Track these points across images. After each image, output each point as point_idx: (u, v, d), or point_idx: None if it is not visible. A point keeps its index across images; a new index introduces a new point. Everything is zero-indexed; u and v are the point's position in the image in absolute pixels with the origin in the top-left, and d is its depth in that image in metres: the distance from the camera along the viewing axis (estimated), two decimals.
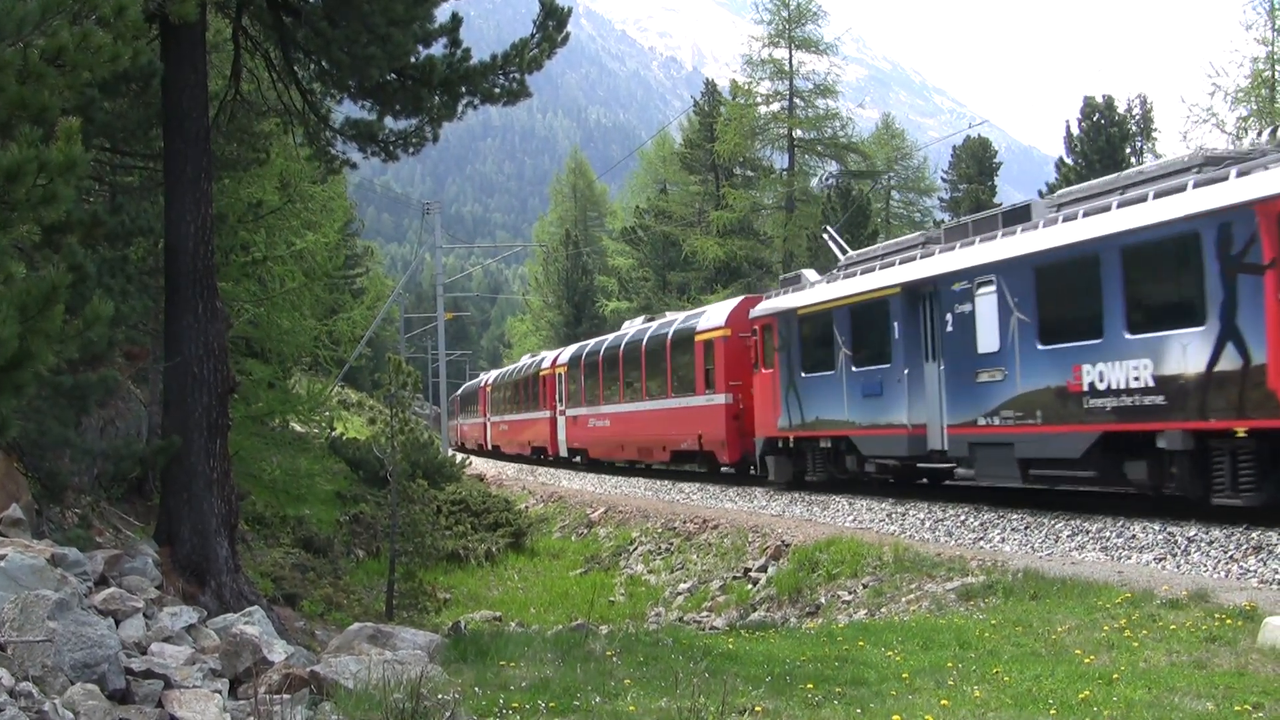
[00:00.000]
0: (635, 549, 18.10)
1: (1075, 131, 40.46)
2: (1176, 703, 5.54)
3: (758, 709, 5.55)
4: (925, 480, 16.68)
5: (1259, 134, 27.74)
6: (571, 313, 58.19)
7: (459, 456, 30.44)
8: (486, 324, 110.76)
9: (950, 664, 6.78)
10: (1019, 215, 14.06)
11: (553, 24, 9.96)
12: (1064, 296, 12.78)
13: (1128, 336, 11.64)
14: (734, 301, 22.70)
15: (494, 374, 47.21)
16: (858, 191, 40.06)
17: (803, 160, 42.68)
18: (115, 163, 11.29)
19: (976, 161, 51.12)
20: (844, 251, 19.91)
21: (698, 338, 22.61)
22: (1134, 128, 41.89)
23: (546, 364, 34.80)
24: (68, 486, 8.58)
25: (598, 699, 5.72)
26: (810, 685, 6.16)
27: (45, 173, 4.69)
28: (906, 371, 15.36)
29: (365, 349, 37.29)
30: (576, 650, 7.29)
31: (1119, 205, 12.03)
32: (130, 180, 11.52)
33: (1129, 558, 10.42)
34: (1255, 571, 9.17)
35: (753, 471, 20.92)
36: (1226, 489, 10.66)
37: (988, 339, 13.73)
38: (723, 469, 22.98)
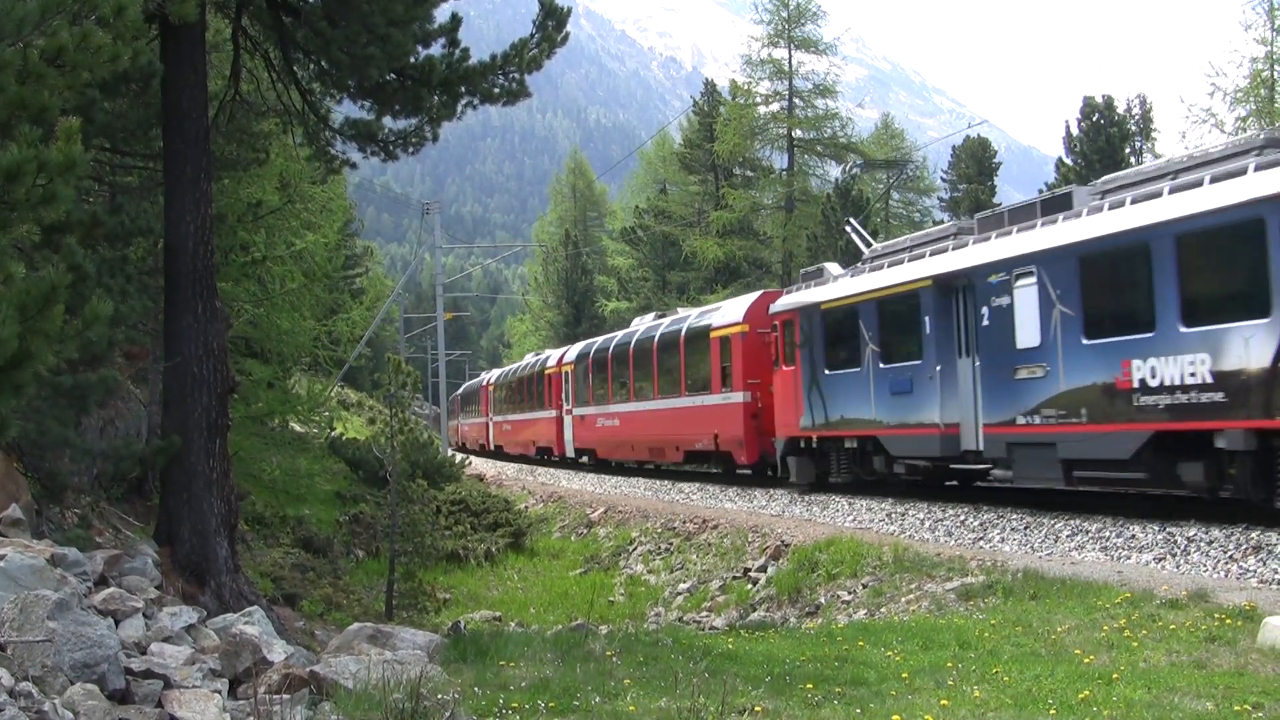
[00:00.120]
0: (635, 549, 18.10)
1: (1075, 131, 40.49)
2: (1176, 703, 5.55)
3: (757, 709, 5.55)
4: (956, 482, 16.14)
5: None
6: (571, 313, 58.21)
7: (459, 456, 30.37)
8: (486, 324, 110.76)
9: (950, 664, 6.78)
10: (1059, 203, 13.38)
11: (552, 24, 9.96)
12: (1112, 288, 12.15)
13: (1183, 330, 10.96)
14: (752, 296, 22.04)
15: (496, 373, 46.65)
16: (858, 192, 40.06)
17: (802, 160, 42.68)
18: (115, 163, 11.29)
19: (976, 161, 51.15)
20: (868, 244, 19.12)
21: (713, 334, 22.00)
22: (1134, 128, 41.90)
23: (552, 362, 34.14)
24: (68, 486, 8.58)
25: (597, 699, 5.72)
26: (810, 685, 6.16)
27: (45, 173, 4.69)
28: (939, 368, 14.72)
29: (365, 349, 37.26)
30: (576, 650, 7.29)
31: (1171, 191, 11.38)
32: (130, 180, 11.52)
33: (1129, 558, 10.42)
34: (1255, 571, 9.17)
35: (771, 474, 20.27)
36: None
37: (1028, 333, 13.10)
38: (738, 470, 22.29)
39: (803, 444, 18.42)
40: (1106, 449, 11.88)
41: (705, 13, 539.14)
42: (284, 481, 16.79)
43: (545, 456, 35.38)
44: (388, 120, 10.39)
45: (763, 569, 13.75)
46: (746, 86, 42.28)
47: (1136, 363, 11.46)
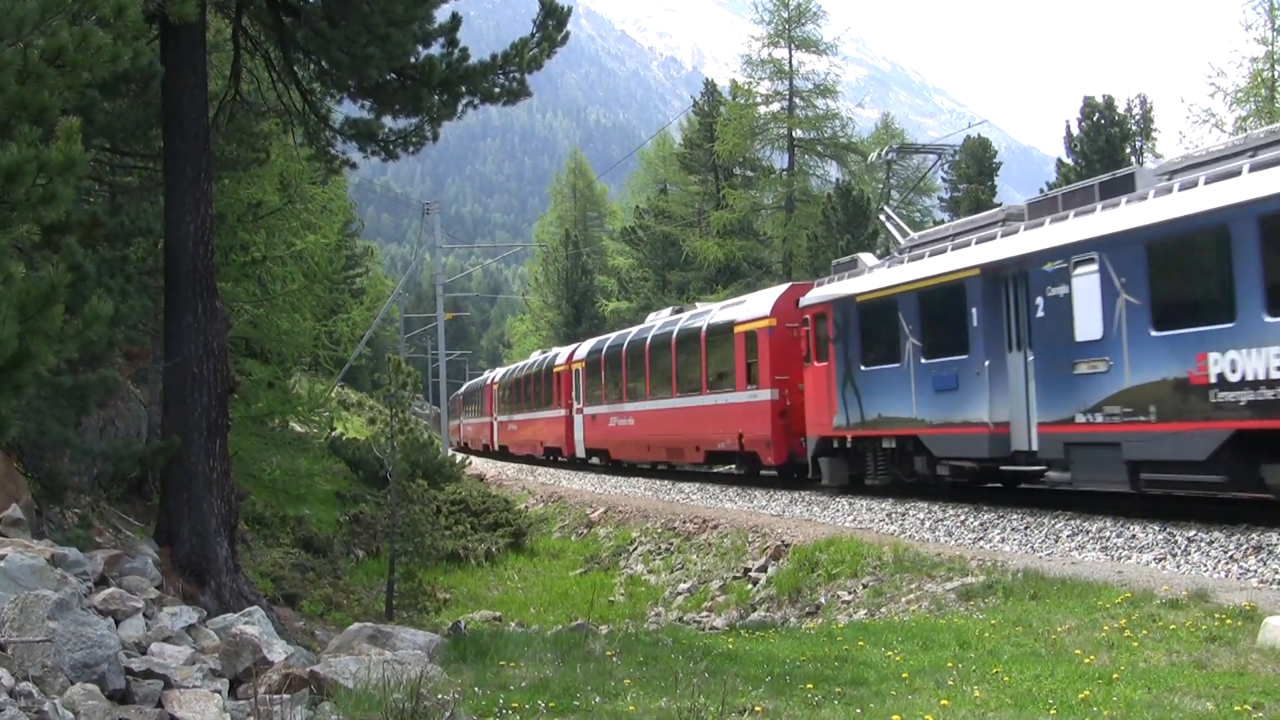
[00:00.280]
0: (635, 549, 18.10)
1: (1075, 131, 40.49)
2: (1176, 703, 5.54)
3: (758, 709, 5.55)
4: (999, 484, 15.48)
5: None
6: (571, 313, 58.22)
7: (459, 456, 30.28)
8: (486, 324, 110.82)
9: (950, 664, 6.78)
10: (1121, 185, 12.51)
11: (552, 23, 9.96)
12: (1184, 275, 11.29)
13: (1268, 319, 10.14)
14: (779, 289, 21.10)
15: (501, 371, 45.67)
16: (858, 192, 40.07)
17: (802, 160, 42.70)
18: (115, 163, 11.30)
19: (976, 161, 51.11)
20: (904, 234, 18.17)
21: (737, 329, 21.02)
22: (1134, 128, 41.91)
23: (561, 360, 33.12)
24: (68, 486, 8.58)
25: (598, 699, 5.72)
26: (810, 685, 6.16)
27: (45, 173, 4.69)
28: (987, 363, 13.90)
29: (365, 349, 37.26)
30: (576, 650, 7.29)
31: (1251, 169, 10.58)
32: (130, 180, 11.53)
33: (1129, 558, 10.42)
34: (1255, 571, 9.17)
35: (798, 475, 19.58)
36: None
37: (1088, 325, 12.26)
38: (763, 471, 21.31)
39: (835, 444, 17.60)
40: (1179, 449, 11.00)
41: (705, 13, 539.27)
42: (284, 481, 16.80)
43: (554, 458, 34.30)
44: (388, 120, 10.39)
45: (763, 569, 13.75)
46: (747, 86, 42.30)
47: (1214, 355, 10.59)
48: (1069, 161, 40.34)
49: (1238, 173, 10.78)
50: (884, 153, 24.72)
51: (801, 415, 18.68)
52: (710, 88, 48.62)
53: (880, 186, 46.78)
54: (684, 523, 17.67)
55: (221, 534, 8.86)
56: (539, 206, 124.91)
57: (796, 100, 41.80)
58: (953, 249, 15.14)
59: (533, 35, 9.98)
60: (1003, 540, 12.10)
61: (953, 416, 14.55)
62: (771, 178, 43.40)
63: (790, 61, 41.71)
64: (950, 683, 6.25)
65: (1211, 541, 10.17)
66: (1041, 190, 36.12)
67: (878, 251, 18.44)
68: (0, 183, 4.56)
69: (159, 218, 9.55)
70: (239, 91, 10.88)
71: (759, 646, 7.98)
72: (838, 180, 42.38)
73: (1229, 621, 7.38)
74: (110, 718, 5.00)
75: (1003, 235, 14.15)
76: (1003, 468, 14.21)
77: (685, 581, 15.06)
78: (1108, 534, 11.30)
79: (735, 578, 14.07)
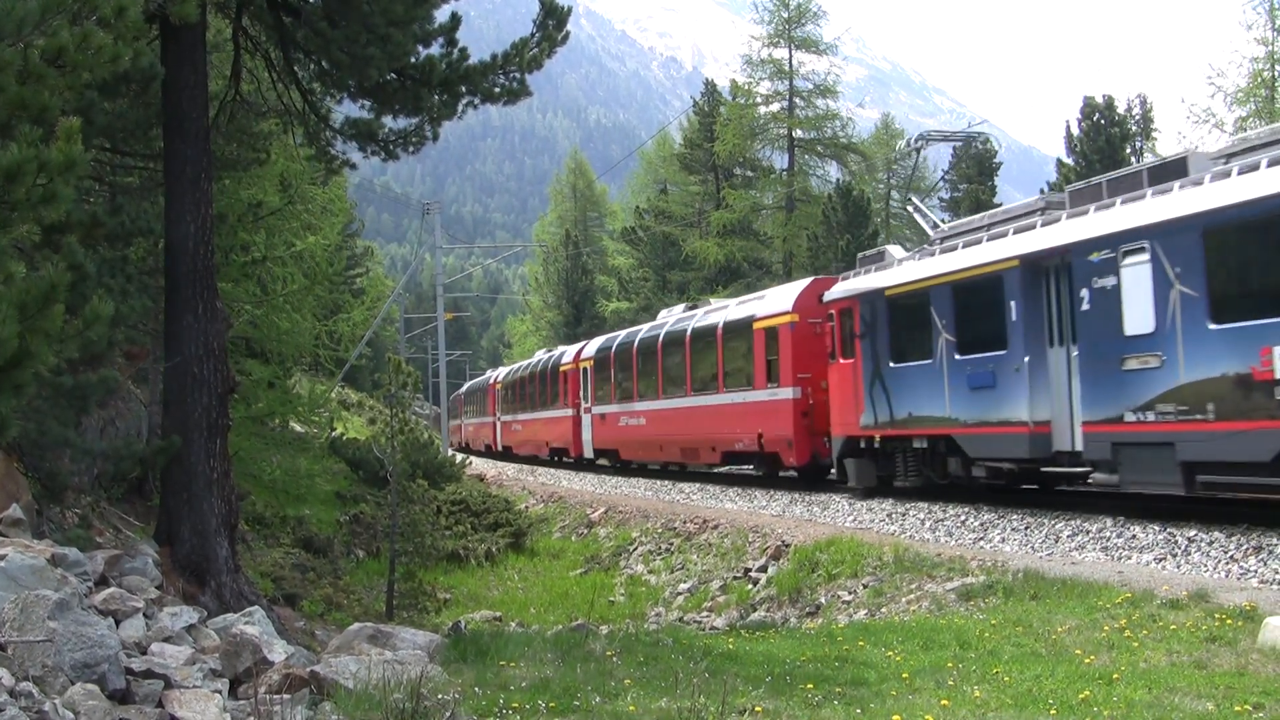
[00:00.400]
0: (635, 549, 18.10)
1: (1075, 131, 40.45)
2: (1176, 703, 5.55)
3: (758, 709, 5.55)
4: (1037, 486, 14.97)
5: None
6: (571, 313, 58.22)
7: (459, 456, 30.22)
8: (486, 324, 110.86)
9: (950, 664, 6.78)
10: (1173, 170, 11.81)
11: (553, 23, 9.97)
12: (1247, 264, 10.55)
13: None
14: (802, 283, 20.24)
15: (504, 370, 44.81)
16: (859, 192, 40.10)
17: (802, 160, 42.73)
18: (115, 163, 11.30)
19: (976, 161, 51.11)
20: (935, 225, 17.55)
21: (756, 325, 20.15)
22: (1134, 128, 41.86)
23: (568, 358, 32.15)
24: (68, 486, 8.59)
25: (598, 699, 5.72)
26: (810, 685, 6.16)
27: (45, 173, 4.69)
28: (1026, 359, 13.23)
29: (365, 349, 37.27)
30: (576, 650, 7.29)
31: None
32: (130, 180, 11.53)
33: (1129, 558, 10.42)
34: (1255, 571, 9.17)
35: (820, 476, 19.04)
36: None
37: (1138, 318, 11.56)
38: (782, 473, 20.56)
39: (863, 444, 16.88)
40: (1240, 450, 10.31)
41: (705, 13, 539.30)
42: (284, 481, 16.79)
43: (560, 458, 33.38)
44: (388, 120, 10.40)
45: (763, 569, 13.75)
46: (747, 86, 42.33)
47: (1279, 350, 9.95)
48: (1069, 161, 40.33)
49: None
50: (914, 140, 24.28)
51: (825, 414, 18.02)
52: (710, 88, 48.64)
53: (881, 186, 46.78)
54: (684, 523, 17.67)
55: (222, 534, 8.86)
56: (539, 206, 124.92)
57: (796, 100, 41.82)
58: (988, 239, 14.50)
59: (533, 35, 9.98)
60: (1003, 540, 12.10)
61: (989, 415, 13.91)
62: (771, 178, 43.43)
63: (790, 61, 41.76)
64: (950, 683, 6.25)
65: (1212, 542, 10.17)
66: (1042, 190, 36.15)
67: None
68: (0, 183, 4.56)
69: (159, 218, 9.56)
70: (239, 92, 10.89)
71: (759, 646, 7.98)
72: (838, 180, 42.40)
73: (1229, 622, 7.38)
74: (110, 718, 5.00)
75: (1043, 224, 13.52)
76: (1044, 469, 13.67)
77: (685, 582, 15.06)
78: (1108, 534, 11.30)
79: (735, 578, 14.07)
